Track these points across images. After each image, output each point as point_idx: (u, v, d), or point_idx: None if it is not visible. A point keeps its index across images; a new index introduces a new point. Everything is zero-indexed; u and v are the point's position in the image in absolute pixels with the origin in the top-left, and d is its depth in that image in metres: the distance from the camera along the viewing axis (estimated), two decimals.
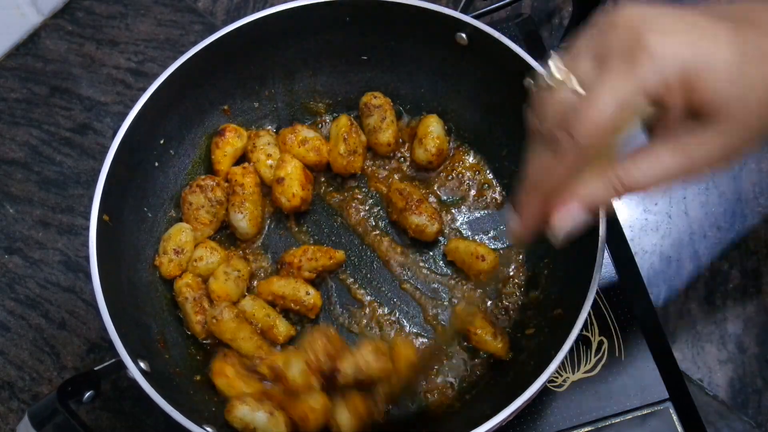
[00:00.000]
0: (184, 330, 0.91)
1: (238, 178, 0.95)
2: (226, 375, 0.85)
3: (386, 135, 0.98)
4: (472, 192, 1.00)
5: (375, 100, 0.99)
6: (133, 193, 0.90)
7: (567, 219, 0.61)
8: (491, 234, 0.98)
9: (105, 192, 0.83)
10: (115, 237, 0.85)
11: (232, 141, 0.98)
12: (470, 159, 1.01)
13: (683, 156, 0.57)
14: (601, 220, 0.78)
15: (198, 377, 0.88)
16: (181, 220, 0.96)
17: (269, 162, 0.98)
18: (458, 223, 0.98)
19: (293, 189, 0.95)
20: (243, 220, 0.95)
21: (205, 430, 0.73)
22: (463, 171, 1.00)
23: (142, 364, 0.76)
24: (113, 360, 0.77)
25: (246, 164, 0.97)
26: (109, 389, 0.97)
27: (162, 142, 0.94)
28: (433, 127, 0.98)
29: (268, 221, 0.99)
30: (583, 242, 0.80)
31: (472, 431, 0.72)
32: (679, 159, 0.57)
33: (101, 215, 0.82)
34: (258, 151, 0.98)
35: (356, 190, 1.00)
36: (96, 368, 0.78)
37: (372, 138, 0.99)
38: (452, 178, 1.00)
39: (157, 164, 0.94)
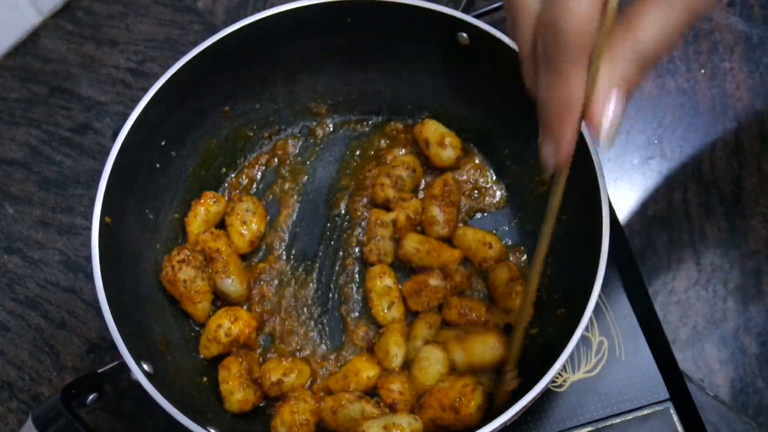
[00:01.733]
0: (186, 331, 0.91)
1: (211, 244, 0.93)
2: (230, 369, 0.86)
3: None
4: (474, 192, 1.00)
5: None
6: (135, 195, 0.90)
7: (612, 111, 0.57)
8: (494, 234, 0.98)
9: (107, 194, 0.82)
10: (116, 239, 0.85)
11: (206, 204, 0.96)
12: (472, 159, 1.01)
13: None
14: (604, 221, 0.78)
15: (201, 379, 0.88)
16: (183, 221, 0.96)
17: (243, 230, 0.95)
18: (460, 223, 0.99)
19: None
20: (233, 284, 0.92)
21: (208, 431, 0.73)
22: (465, 171, 1.00)
23: (145, 366, 0.76)
24: (116, 362, 0.77)
25: (214, 229, 0.95)
26: (110, 390, 0.97)
27: (163, 143, 0.93)
28: (442, 128, 0.99)
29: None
30: (587, 243, 0.81)
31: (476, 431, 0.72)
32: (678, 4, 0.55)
33: (103, 217, 0.82)
34: (234, 216, 0.96)
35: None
36: (99, 370, 0.78)
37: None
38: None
39: (158, 165, 0.94)
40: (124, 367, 0.75)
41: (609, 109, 0.57)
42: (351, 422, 0.83)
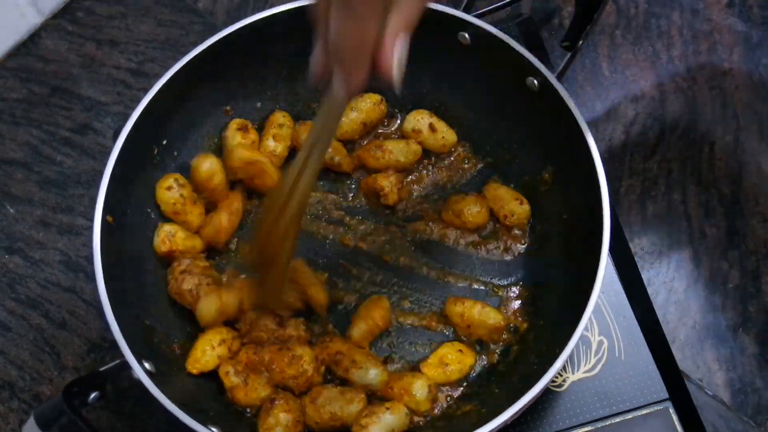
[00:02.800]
0: (188, 330, 0.91)
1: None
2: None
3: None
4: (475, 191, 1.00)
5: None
6: (136, 194, 0.90)
7: (399, 55, 0.61)
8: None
9: (108, 193, 0.83)
10: (118, 238, 0.85)
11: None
12: (472, 158, 1.01)
13: None
14: (605, 222, 0.79)
15: (203, 378, 0.88)
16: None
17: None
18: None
19: None
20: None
21: (210, 430, 0.73)
22: (466, 170, 1.01)
23: (147, 365, 0.76)
24: (118, 361, 0.77)
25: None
26: (110, 390, 0.97)
27: (165, 142, 0.94)
28: (428, 116, 1.00)
29: None
30: (587, 243, 0.81)
31: (475, 431, 0.72)
32: None
33: (105, 216, 0.82)
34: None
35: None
36: (101, 369, 0.78)
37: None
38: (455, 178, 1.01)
39: (160, 165, 0.94)
40: (125, 366, 0.75)
41: (397, 54, 0.60)
42: (333, 406, 0.84)
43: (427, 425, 0.85)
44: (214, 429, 0.74)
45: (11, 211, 1.10)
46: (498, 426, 0.73)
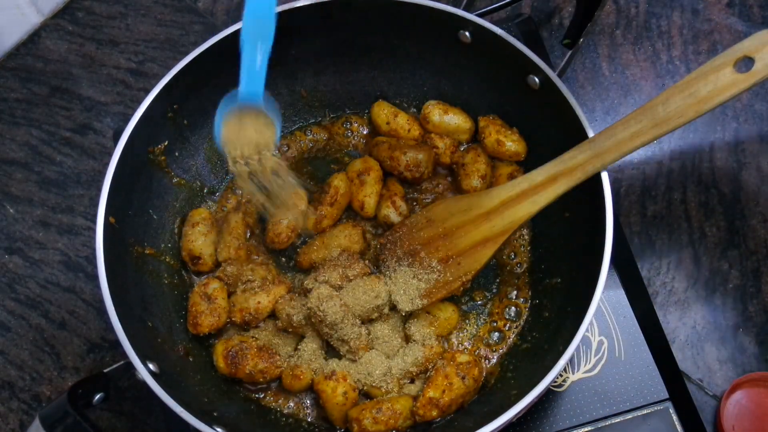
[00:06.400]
0: (190, 331, 0.91)
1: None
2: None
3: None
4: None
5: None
6: (138, 195, 0.90)
7: None
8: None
9: (110, 194, 0.82)
10: (120, 239, 0.85)
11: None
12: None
13: None
14: (608, 223, 0.78)
15: (206, 378, 0.88)
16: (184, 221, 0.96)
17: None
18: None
19: None
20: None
21: (215, 430, 0.73)
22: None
23: (151, 366, 0.76)
24: (122, 362, 0.77)
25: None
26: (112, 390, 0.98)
27: (166, 143, 0.94)
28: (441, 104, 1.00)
29: None
30: (589, 244, 0.81)
31: (478, 431, 0.72)
32: None
33: (107, 218, 0.81)
34: None
35: None
36: (106, 371, 0.78)
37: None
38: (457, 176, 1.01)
39: (161, 165, 0.94)
40: (129, 367, 0.75)
41: None
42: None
43: (432, 426, 0.85)
44: (219, 429, 0.74)
45: (11, 211, 1.10)
46: (499, 426, 0.73)
